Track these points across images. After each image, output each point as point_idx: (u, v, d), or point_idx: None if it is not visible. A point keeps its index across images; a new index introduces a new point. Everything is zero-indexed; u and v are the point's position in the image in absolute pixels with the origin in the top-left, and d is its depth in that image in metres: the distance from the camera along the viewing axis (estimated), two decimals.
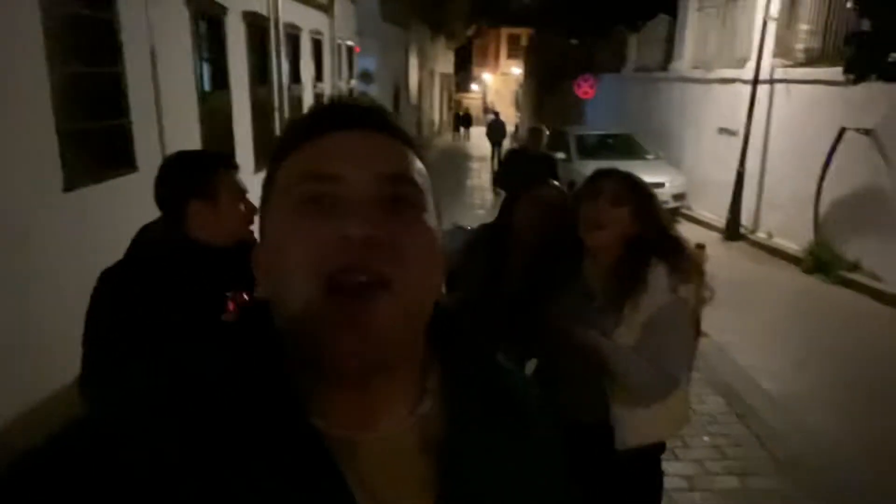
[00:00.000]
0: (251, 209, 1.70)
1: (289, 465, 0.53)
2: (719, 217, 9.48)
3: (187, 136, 5.71)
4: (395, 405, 0.59)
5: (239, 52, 6.94)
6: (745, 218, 9.26)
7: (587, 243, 1.87)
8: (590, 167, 10.49)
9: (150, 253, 1.69)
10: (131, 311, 1.53)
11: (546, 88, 20.61)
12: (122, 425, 0.52)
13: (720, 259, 6.66)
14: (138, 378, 0.58)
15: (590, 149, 11.20)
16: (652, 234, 1.83)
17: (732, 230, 9.11)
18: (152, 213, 1.75)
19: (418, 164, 0.61)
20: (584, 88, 15.40)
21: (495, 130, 17.43)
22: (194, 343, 0.60)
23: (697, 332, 2.15)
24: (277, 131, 8.24)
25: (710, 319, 5.63)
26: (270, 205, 0.60)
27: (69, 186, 3.98)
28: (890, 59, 5.43)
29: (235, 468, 0.52)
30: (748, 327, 5.52)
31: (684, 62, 12.19)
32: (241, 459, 0.52)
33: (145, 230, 1.76)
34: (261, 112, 7.62)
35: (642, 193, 1.88)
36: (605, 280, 1.85)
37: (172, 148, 5.29)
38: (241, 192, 1.71)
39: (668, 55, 12.93)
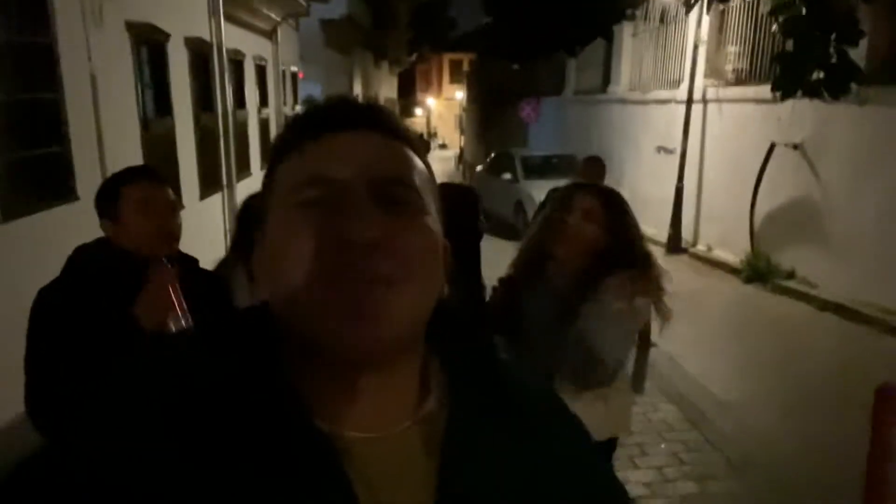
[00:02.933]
0: (160, 219, 1.73)
1: (292, 466, 0.52)
2: (661, 232, 9.79)
3: (130, 164, 5.56)
4: (397, 405, 0.59)
5: (182, 78, 6.83)
6: (686, 232, 9.60)
7: (558, 253, 1.95)
8: (535, 186, 10.65)
9: (85, 266, 1.72)
10: (73, 326, 1.56)
11: (489, 112, 20.97)
12: (114, 440, 0.51)
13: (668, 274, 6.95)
14: (124, 388, 0.55)
15: (535, 169, 11.44)
16: (619, 249, 1.93)
17: (674, 244, 9.43)
18: None
19: (418, 165, 0.61)
20: (527, 111, 15.77)
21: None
22: (190, 347, 0.59)
23: (646, 344, 2.32)
24: (223, 157, 8.11)
25: (660, 332, 5.73)
26: (270, 206, 0.60)
27: (7, 216, 3.82)
28: (812, 78, 5.77)
29: (237, 472, 0.51)
30: (695, 336, 5.69)
31: (621, 85, 12.64)
32: (242, 463, 0.51)
33: (80, 249, 1.77)
34: (205, 138, 7.51)
35: (615, 211, 1.97)
36: (567, 285, 1.93)
37: None
38: (145, 205, 1.72)
39: (606, 78, 13.39)
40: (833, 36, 5.77)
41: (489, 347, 0.69)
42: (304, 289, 0.53)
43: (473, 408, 0.61)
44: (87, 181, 4.82)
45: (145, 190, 1.73)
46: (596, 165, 4.98)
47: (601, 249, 1.91)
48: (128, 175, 1.77)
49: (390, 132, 0.60)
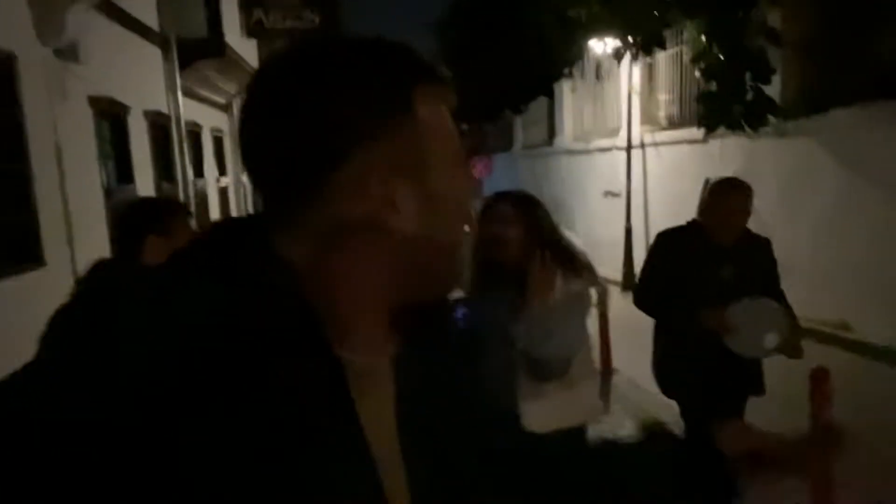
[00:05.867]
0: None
1: (309, 387, 0.57)
2: (615, 271, 10.20)
3: (95, 231, 5.68)
4: (390, 337, 0.68)
5: (143, 149, 7.04)
6: (638, 268, 10.02)
7: (491, 256, 2.18)
8: None
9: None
10: None
11: None
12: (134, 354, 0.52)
13: (623, 306, 7.30)
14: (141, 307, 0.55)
15: None
16: (543, 244, 2.16)
17: (628, 281, 9.83)
18: None
19: None
20: (479, 168, 16.37)
21: None
22: (200, 278, 0.59)
23: (605, 319, 2.53)
24: None
25: (619, 357, 5.99)
26: (427, 140, 0.62)
27: None
28: (733, 113, 6.34)
29: (254, 389, 0.54)
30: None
31: (565, 137, 13.33)
32: (263, 382, 0.54)
33: (98, 267, 1.85)
34: None
35: (530, 212, 2.22)
36: (509, 282, 2.15)
37: (81, 242, 5.26)
38: (193, 234, 1.86)
39: (551, 132, 14.10)
40: (748, 75, 6.39)
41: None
42: (456, 246, 0.68)
43: (421, 344, 0.71)
44: (54, 248, 4.92)
45: (189, 219, 1.94)
46: (738, 191, 2.77)
47: (527, 249, 2.14)
48: (175, 203, 1.94)
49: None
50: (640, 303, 2.98)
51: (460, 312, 0.87)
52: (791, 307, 2.83)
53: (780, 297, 2.81)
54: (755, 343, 2.63)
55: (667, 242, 2.94)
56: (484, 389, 0.82)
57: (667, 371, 3.07)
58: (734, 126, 6.40)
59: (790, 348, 2.77)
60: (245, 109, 0.63)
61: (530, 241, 2.15)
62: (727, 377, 2.75)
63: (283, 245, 0.60)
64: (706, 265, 2.71)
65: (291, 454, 0.54)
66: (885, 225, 6.04)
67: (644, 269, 3.02)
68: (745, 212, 2.76)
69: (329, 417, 0.58)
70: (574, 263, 2.17)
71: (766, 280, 2.82)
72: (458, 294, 2.35)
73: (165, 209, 1.91)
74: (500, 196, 2.28)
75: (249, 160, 0.63)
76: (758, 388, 2.98)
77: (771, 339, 2.63)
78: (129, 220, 1.89)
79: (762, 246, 2.93)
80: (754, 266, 2.78)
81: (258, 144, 0.62)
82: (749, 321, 2.57)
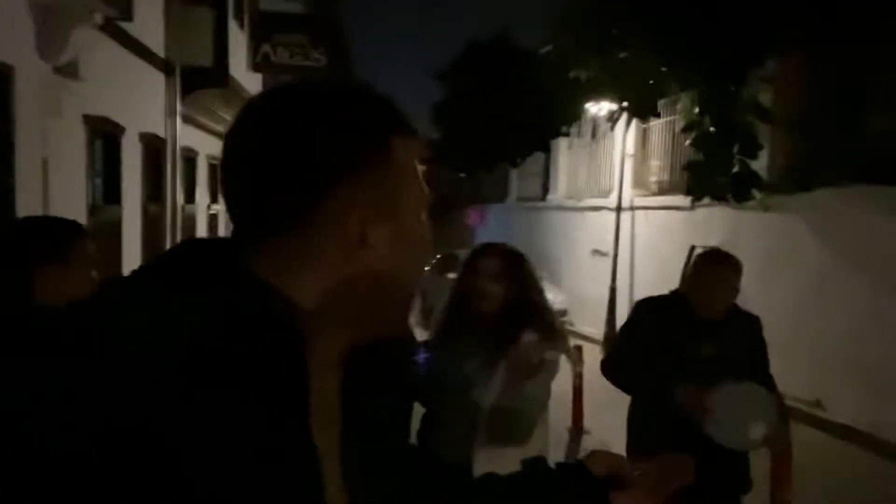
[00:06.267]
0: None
1: (279, 412, 0.57)
2: (598, 330, 10.18)
3: None
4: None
5: (134, 170, 7.06)
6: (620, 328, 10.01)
7: (470, 307, 2.16)
8: None
9: None
10: None
11: (438, 217, 21.79)
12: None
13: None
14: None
15: None
16: (524, 303, 2.15)
17: (609, 340, 9.80)
18: None
19: None
20: (475, 218, 16.55)
21: None
22: (195, 286, 0.59)
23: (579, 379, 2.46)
24: (168, 246, 8.23)
25: (592, 419, 5.97)
26: (401, 186, 0.67)
27: None
28: (719, 184, 6.44)
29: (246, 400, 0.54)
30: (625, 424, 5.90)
31: (559, 193, 13.48)
32: (246, 399, 0.54)
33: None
34: (152, 228, 7.65)
35: (516, 269, 2.20)
36: (481, 343, 2.12)
37: None
38: (92, 262, 1.66)
39: (545, 187, 14.27)
40: (736, 148, 6.51)
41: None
42: (412, 288, 0.71)
43: (376, 380, 0.75)
44: None
45: (86, 243, 1.66)
46: (726, 265, 2.62)
47: (507, 305, 2.11)
48: (69, 224, 1.68)
49: None
50: (607, 373, 2.66)
51: (422, 357, 0.88)
52: (779, 393, 2.53)
53: (767, 380, 2.48)
54: (739, 433, 2.25)
55: (647, 311, 2.71)
56: (434, 435, 0.85)
57: (641, 446, 2.67)
58: (719, 196, 6.50)
59: (776, 440, 2.49)
60: (232, 138, 0.65)
61: (512, 297, 2.14)
62: (709, 471, 2.44)
63: (257, 269, 0.62)
64: (687, 340, 2.45)
65: (259, 469, 0.55)
66: (863, 306, 6.07)
67: (619, 337, 2.78)
68: (733, 287, 2.54)
69: (289, 440, 0.58)
70: (549, 328, 2.15)
71: (753, 361, 2.52)
72: (423, 338, 2.35)
73: (61, 231, 1.60)
74: (489, 248, 2.27)
75: (231, 185, 0.65)
76: (745, 483, 2.52)
77: (757, 430, 2.26)
78: (17, 244, 1.57)
79: (750, 324, 2.61)
80: (740, 345, 2.49)
81: (242, 172, 0.64)
82: (733, 407, 2.21)
